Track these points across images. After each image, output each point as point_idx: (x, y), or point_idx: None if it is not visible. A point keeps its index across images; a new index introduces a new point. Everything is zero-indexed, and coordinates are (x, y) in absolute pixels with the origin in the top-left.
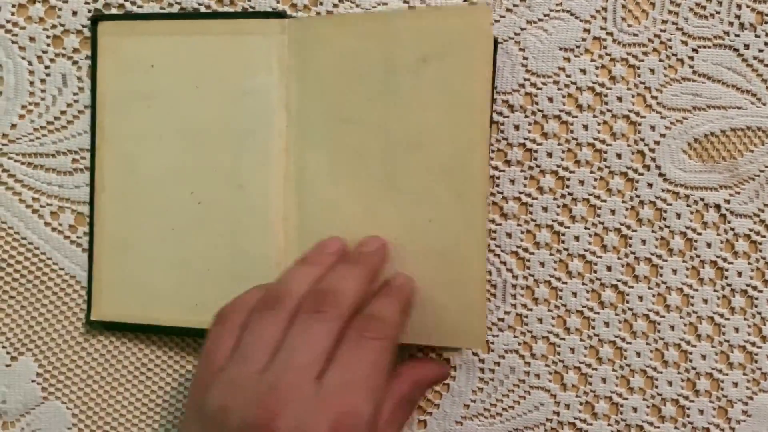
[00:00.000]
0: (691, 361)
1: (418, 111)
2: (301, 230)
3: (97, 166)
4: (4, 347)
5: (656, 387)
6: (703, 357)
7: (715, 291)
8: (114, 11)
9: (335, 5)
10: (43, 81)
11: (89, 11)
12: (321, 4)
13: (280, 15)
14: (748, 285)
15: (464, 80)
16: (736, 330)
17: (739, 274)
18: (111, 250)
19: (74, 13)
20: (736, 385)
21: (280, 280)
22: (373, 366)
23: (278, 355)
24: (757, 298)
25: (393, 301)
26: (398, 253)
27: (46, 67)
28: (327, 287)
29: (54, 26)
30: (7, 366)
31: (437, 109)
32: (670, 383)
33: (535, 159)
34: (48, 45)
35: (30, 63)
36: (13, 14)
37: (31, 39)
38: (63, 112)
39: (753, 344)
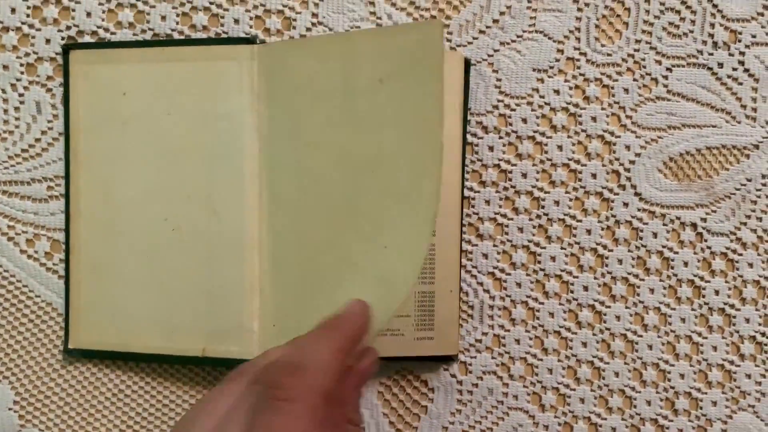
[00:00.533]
0: (669, 380)
1: (376, 133)
2: (273, 256)
3: (72, 193)
4: None
5: (635, 407)
6: (682, 376)
7: (692, 310)
8: (87, 38)
9: (308, 29)
10: (17, 108)
11: (62, 39)
12: (294, 28)
13: (250, 41)
14: (725, 303)
15: (417, 98)
16: (715, 349)
17: (717, 292)
18: (87, 278)
19: (47, 41)
20: (715, 403)
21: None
22: None
23: None
24: (734, 317)
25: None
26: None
27: (20, 95)
28: (293, 364)
29: (27, 54)
30: None
31: (393, 130)
32: (649, 403)
33: (510, 180)
34: (22, 73)
35: (4, 91)
36: None
37: (5, 67)
38: (37, 140)
39: (731, 363)
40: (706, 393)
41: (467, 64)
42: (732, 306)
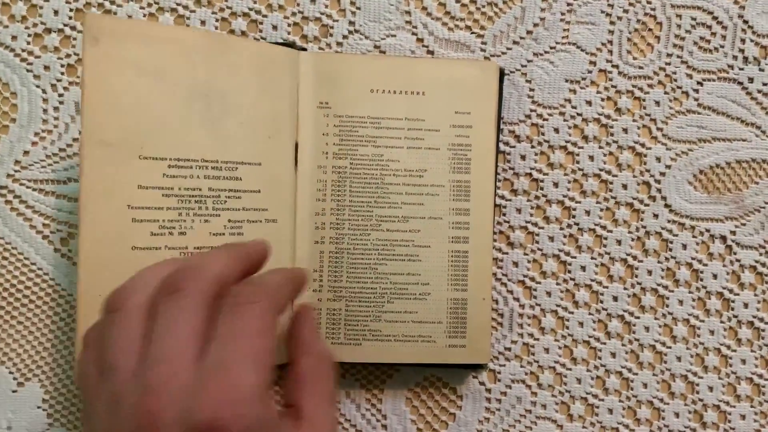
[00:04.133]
0: (698, 392)
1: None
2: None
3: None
4: (11, 373)
5: (663, 419)
6: (710, 389)
7: (721, 322)
8: None
9: (344, 37)
10: (56, 109)
11: None
12: (331, 35)
13: (291, 46)
14: (754, 317)
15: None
16: (743, 362)
17: (746, 305)
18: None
19: None
20: (743, 417)
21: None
22: (254, 332)
23: (147, 351)
24: (763, 330)
25: (275, 271)
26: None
27: (60, 95)
28: (185, 265)
29: (68, 55)
30: (13, 392)
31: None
32: (677, 415)
33: (542, 189)
34: (62, 74)
35: (44, 91)
36: (28, 43)
37: (46, 68)
38: (75, 139)
39: (760, 376)
40: (734, 406)
41: (501, 74)
42: (761, 319)
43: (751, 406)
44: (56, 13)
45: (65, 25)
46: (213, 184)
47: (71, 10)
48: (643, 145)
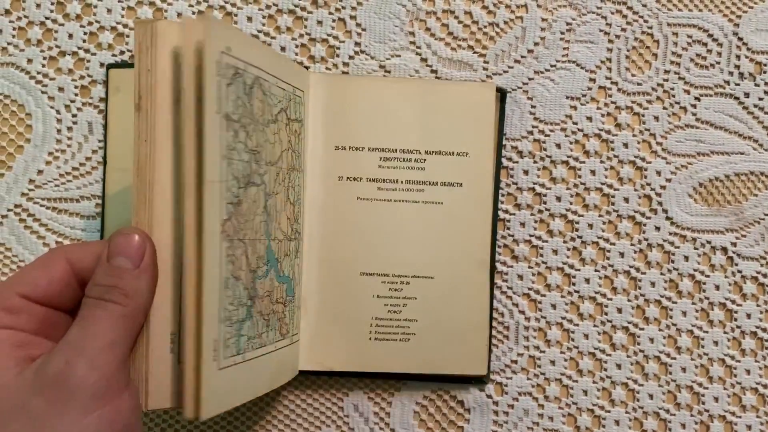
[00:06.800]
0: (703, 403)
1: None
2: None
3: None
4: None
5: (670, 429)
6: (716, 399)
7: (725, 333)
8: None
9: (350, 57)
10: (70, 129)
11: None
12: (337, 56)
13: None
14: (757, 327)
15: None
16: (748, 372)
17: (748, 316)
18: None
19: (102, 65)
20: (749, 428)
21: None
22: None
23: None
24: (767, 340)
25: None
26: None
27: (74, 116)
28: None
29: (82, 77)
30: None
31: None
32: (683, 426)
33: (545, 203)
34: (76, 95)
35: (58, 112)
36: (44, 66)
37: (60, 89)
38: (88, 158)
39: (765, 386)
40: (740, 417)
41: (503, 92)
42: (764, 330)
43: (757, 416)
44: (71, 36)
45: (79, 48)
46: None
47: (85, 33)
48: (643, 159)
